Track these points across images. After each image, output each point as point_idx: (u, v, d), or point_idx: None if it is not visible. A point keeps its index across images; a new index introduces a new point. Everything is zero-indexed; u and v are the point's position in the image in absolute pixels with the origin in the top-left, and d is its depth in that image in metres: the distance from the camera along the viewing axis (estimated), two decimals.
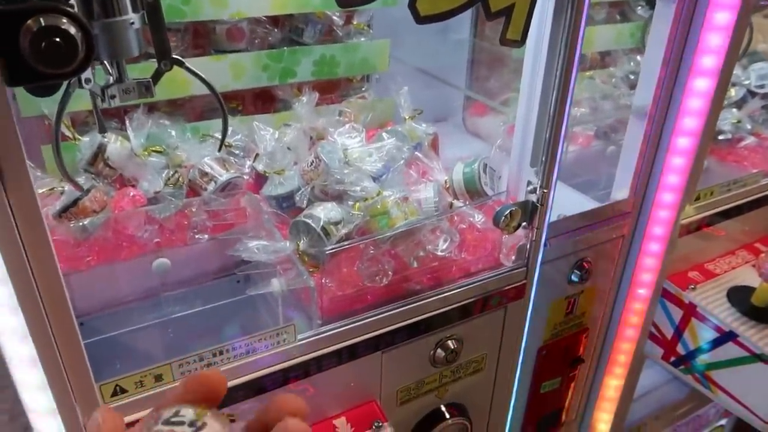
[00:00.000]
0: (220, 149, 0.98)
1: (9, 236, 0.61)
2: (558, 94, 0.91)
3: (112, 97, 0.74)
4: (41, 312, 0.68)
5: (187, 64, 0.77)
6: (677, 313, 1.36)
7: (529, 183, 1.01)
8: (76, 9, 0.59)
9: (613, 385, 1.51)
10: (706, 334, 1.31)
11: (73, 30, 0.55)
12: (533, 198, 1.01)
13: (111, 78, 0.75)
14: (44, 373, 0.71)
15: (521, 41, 0.83)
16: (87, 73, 0.70)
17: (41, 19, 0.53)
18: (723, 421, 2.00)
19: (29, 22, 0.53)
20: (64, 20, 0.55)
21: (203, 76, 0.79)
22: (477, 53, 1.63)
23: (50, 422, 0.75)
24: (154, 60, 0.96)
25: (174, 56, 0.75)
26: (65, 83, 0.70)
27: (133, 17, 0.69)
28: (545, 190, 0.99)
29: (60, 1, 0.61)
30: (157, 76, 0.76)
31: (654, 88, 1.14)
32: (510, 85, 1.57)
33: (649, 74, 1.15)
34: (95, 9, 0.66)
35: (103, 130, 0.89)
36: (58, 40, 0.54)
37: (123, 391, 0.80)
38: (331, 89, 1.39)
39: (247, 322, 1.04)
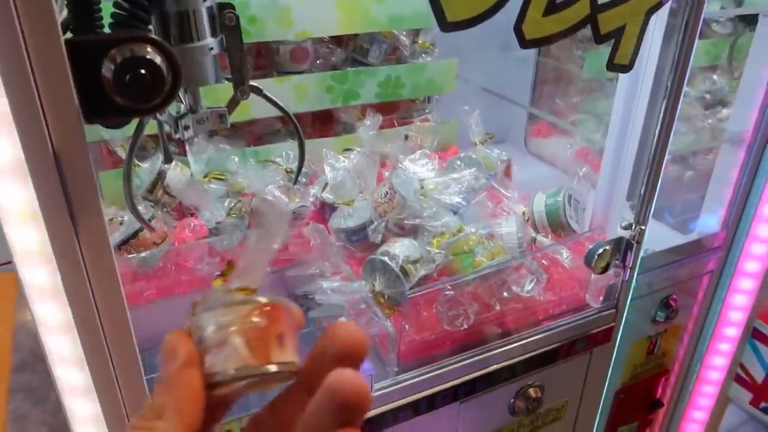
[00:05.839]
0: (295, 182, 0.92)
1: (75, 268, 0.54)
2: (663, 122, 0.82)
3: (186, 127, 0.68)
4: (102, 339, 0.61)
5: (266, 93, 0.70)
6: None
7: (623, 219, 0.92)
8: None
9: (692, 430, 1.39)
10: None
11: (158, 60, 0.49)
12: (627, 235, 0.92)
13: (182, 107, 0.70)
14: (99, 403, 0.65)
15: (629, 66, 0.74)
16: None
17: (126, 49, 0.47)
18: None
19: (112, 51, 0.47)
20: (149, 49, 0.48)
21: (282, 105, 0.72)
22: (542, 72, 1.55)
23: None
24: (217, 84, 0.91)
25: (252, 84, 0.69)
26: None
27: (211, 42, 0.62)
28: (642, 227, 0.90)
29: (140, 28, 0.56)
30: (232, 104, 0.70)
31: (753, 111, 1.04)
32: (577, 106, 1.48)
33: (746, 97, 1.05)
34: (172, 33, 0.60)
35: (169, 160, 0.84)
36: (143, 71, 0.48)
37: None
38: (393, 110, 1.32)
39: None
